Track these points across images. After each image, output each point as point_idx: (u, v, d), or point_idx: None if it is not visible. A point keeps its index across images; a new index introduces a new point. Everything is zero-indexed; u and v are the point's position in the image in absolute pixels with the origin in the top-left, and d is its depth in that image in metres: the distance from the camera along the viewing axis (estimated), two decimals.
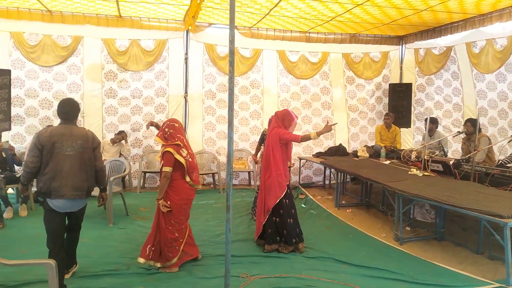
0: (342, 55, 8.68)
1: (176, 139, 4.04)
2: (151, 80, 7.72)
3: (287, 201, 4.68)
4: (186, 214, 4.20)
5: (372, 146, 7.66)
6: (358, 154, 7.47)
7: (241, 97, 8.19)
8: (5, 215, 5.58)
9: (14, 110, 6.83)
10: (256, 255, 4.54)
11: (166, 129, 4.08)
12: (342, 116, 8.76)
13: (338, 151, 7.87)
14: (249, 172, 8.15)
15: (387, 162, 6.78)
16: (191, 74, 7.93)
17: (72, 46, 7.21)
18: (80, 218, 3.78)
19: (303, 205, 6.83)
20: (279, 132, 4.58)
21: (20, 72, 7.00)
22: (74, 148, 3.46)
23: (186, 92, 7.91)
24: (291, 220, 4.68)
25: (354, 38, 8.50)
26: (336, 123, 5.02)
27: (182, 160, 3.97)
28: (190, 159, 4.08)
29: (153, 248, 4.07)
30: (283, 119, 4.69)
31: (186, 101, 7.93)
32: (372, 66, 8.86)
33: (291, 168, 5.74)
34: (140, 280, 3.85)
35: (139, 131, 7.77)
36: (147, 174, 7.82)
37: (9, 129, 6.53)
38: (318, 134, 4.63)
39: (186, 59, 7.83)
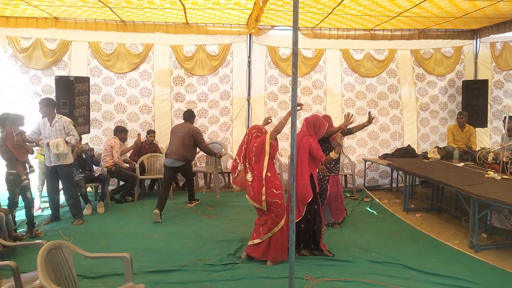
0: (411, 52, 8.29)
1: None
2: (216, 84, 7.96)
3: (315, 206, 4.56)
4: None
5: (444, 147, 7.23)
6: (429, 155, 7.09)
7: (303, 98, 8.14)
8: (84, 212, 6.05)
9: (92, 115, 7.39)
10: (319, 257, 4.48)
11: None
12: (412, 115, 8.37)
13: (406, 152, 7.53)
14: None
15: (461, 164, 6.36)
16: (254, 76, 8.04)
17: (144, 54, 7.66)
18: (184, 171, 6.46)
19: (368, 209, 6.63)
20: (311, 144, 4.42)
21: (97, 79, 7.57)
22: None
23: (249, 94, 8.05)
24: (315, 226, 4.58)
25: (423, 34, 8.09)
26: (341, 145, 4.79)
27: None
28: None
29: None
30: (314, 125, 4.57)
31: (249, 104, 8.05)
32: (444, 62, 8.36)
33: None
34: (207, 277, 3.98)
35: (205, 133, 8.03)
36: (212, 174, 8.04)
37: (88, 132, 7.08)
38: (336, 152, 4.56)
39: (249, 62, 7.97)
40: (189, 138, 6.28)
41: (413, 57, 8.31)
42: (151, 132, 7.45)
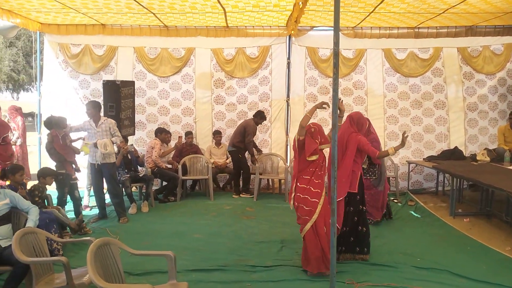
0: (458, 50, 7.94)
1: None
2: (255, 86, 8.01)
3: (351, 208, 4.39)
4: None
5: (494, 149, 6.89)
6: (477, 158, 6.78)
7: (344, 99, 7.97)
8: (130, 211, 6.28)
9: (137, 117, 7.65)
10: (361, 262, 4.39)
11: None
12: (459, 116, 8.01)
13: (453, 154, 7.24)
14: None
15: None
16: (293, 78, 8.01)
17: (186, 57, 7.84)
18: (233, 158, 7.35)
19: (412, 212, 6.42)
20: (360, 140, 4.28)
21: (142, 83, 7.84)
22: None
23: (288, 96, 8.03)
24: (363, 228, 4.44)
25: (471, 31, 7.73)
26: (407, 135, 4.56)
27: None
28: None
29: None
30: (357, 123, 4.43)
31: (288, 105, 8.04)
32: (494, 60, 7.93)
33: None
34: (248, 277, 4.00)
35: None
36: (251, 176, 8.09)
37: (133, 134, 7.34)
38: (396, 149, 4.31)
39: (288, 63, 7.95)
40: (241, 129, 7.28)
41: (460, 55, 7.96)
42: (189, 134, 7.62)
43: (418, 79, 8.00)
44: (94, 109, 5.73)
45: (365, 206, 4.47)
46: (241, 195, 7.36)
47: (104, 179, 5.94)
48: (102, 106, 6.26)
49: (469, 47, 7.92)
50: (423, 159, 7.62)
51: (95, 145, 5.62)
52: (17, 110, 8.19)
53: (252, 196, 7.25)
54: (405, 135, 4.33)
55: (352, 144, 4.29)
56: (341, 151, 4.30)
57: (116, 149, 5.97)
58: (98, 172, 5.84)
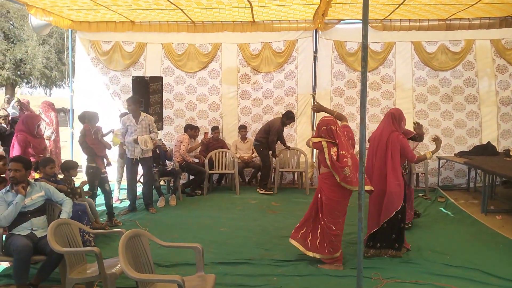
0: (491, 42, 7.66)
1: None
2: (281, 81, 7.99)
3: (404, 204, 4.36)
4: (346, 207, 4.14)
5: None
6: (511, 153, 6.54)
7: (372, 93, 7.89)
8: (158, 204, 6.42)
9: (165, 112, 7.79)
10: (388, 257, 4.34)
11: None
12: (491, 110, 7.74)
13: (485, 150, 7.01)
14: None
15: None
16: (319, 72, 7.94)
17: (212, 53, 7.91)
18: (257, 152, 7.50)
19: (442, 209, 6.27)
20: (402, 142, 4.22)
21: (170, 78, 7.96)
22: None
23: (314, 90, 7.97)
24: (403, 225, 4.41)
25: (505, 22, 7.43)
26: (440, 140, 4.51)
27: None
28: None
29: (309, 238, 4.17)
30: (399, 119, 4.35)
31: (314, 99, 7.98)
32: None
33: None
34: (274, 271, 4.03)
35: None
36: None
37: (161, 128, 7.48)
38: (433, 153, 4.38)
39: (315, 57, 7.89)
40: (266, 127, 7.35)
41: (494, 47, 7.66)
42: (215, 129, 7.69)
43: (448, 72, 7.77)
44: (135, 104, 5.90)
45: (405, 203, 4.42)
46: (257, 189, 7.33)
47: (143, 171, 6.16)
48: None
49: (503, 39, 7.62)
50: (454, 154, 7.42)
51: (136, 141, 5.81)
52: (50, 106, 8.49)
53: (269, 192, 7.20)
54: (437, 139, 4.37)
55: (395, 143, 4.23)
56: (381, 150, 4.29)
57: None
58: (135, 166, 6.04)
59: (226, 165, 7.55)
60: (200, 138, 7.62)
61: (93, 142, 5.46)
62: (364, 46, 2.88)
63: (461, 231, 5.28)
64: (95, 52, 7.93)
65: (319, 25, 7.52)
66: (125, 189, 6.83)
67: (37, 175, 4.89)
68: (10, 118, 7.63)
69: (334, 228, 4.06)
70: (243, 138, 7.83)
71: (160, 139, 7.31)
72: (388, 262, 4.24)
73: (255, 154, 7.69)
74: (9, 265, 3.87)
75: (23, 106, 8.41)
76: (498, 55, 7.68)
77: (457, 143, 7.78)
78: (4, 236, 3.60)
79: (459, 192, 7.33)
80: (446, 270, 4.01)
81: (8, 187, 3.70)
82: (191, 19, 7.50)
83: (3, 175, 4.49)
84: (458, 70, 7.77)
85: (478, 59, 7.71)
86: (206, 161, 7.28)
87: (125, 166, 6.33)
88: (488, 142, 7.32)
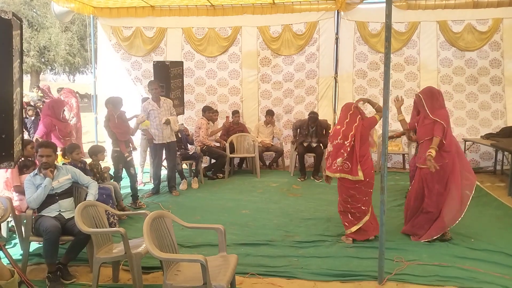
0: None
1: None
2: (302, 63, 7.90)
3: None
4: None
5: None
6: None
7: (395, 75, 7.72)
8: (180, 187, 6.52)
9: (186, 97, 7.83)
10: (410, 241, 4.31)
11: None
12: None
13: None
14: (403, 155, 7.70)
15: None
16: (341, 54, 7.81)
17: (232, 37, 7.87)
18: None
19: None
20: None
21: (190, 63, 7.99)
22: None
23: (336, 72, 7.86)
24: None
25: None
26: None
27: None
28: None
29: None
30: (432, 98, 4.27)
31: (336, 82, 7.88)
32: None
33: None
34: (294, 252, 4.07)
35: (290, 113, 8.07)
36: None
37: (183, 113, 7.54)
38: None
39: (336, 39, 7.75)
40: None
41: None
42: (236, 113, 7.68)
43: (474, 53, 7.53)
44: (160, 87, 6.00)
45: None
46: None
47: (168, 155, 6.28)
48: None
49: None
50: (481, 136, 7.23)
51: (167, 121, 5.91)
52: (71, 92, 8.66)
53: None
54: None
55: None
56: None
57: None
58: (161, 149, 6.15)
59: (247, 149, 7.57)
60: (221, 122, 7.64)
61: (115, 126, 5.56)
62: (388, 26, 2.82)
63: (486, 214, 5.18)
64: (117, 38, 8.02)
65: (341, 5, 7.37)
66: (148, 172, 6.97)
67: (64, 160, 5.03)
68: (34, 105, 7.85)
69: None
70: (267, 123, 7.79)
71: (182, 123, 7.38)
72: (411, 244, 4.21)
73: (277, 141, 7.69)
74: (40, 244, 4.03)
75: (43, 92, 8.62)
76: None
77: (482, 125, 7.57)
78: (34, 217, 3.75)
79: (486, 175, 7.17)
80: (470, 253, 3.96)
81: (36, 171, 3.83)
82: (210, 3, 7.46)
83: (31, 159, 4.65)
84: (484, 51, 7.50)
85: (504, 39, 7.42)
86: (227, 144, 7.33)
87: (148, 150, 6.43)
88: None
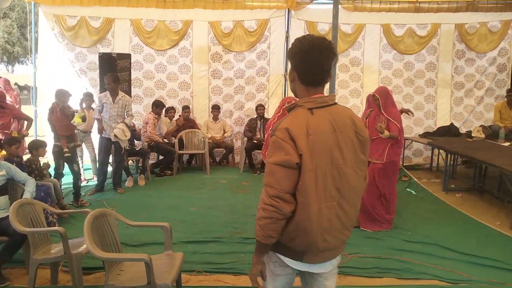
0: (455, 26, 7.85)
1: None
2: (253, 60, 7.93)
3: None
4: None
5: (490, 126, 6.92)
6: (473, 134, 6.82)
7: (341, 76, 7.97)
8: (126, 184, 6.34)
9: (133, 91, 7.60)
10: (352, 235, 4.48)
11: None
12: (445, 93, 8.02)
13: (449, 131, 7.27)
14: None
15: (507, 144, 6.08)
16: None
17: (183, 30, 7.72)
18: None
19: (408, 189, 6.50)
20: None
21: (139, 56, 7.74)
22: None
23: (286, 70, 7.97)
24: None
25: (472, 6, 7.64)
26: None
27: None
28: None
29: None
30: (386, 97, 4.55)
31: (286, 80, 7.99)
32: (488, 38, 7.81)
33: None
34: (242, 249, 4.10)
35: (241, 109, 8.08)
36: None
37: None
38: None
39: (287, 37, 7.86)
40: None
41: (457, 31, 7.86)
42: (186, 108, 7.56)
43: (413, 56, 7.98)
44: (115, 83, 5.77)
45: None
46: None
47: (115, 152, 6.10)
48: (98, 80, 6.19)
49: (466, 23, 7.84)
50: (419, 135, 7.66)
51: (115, 137, 5.75)
52: (7, 83, 8.08)
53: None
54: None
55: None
56: None
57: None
58: (109, 146, 5.95)
59: (197, 145, 7.50)
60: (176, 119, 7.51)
61: (57, 120, 5.29)
62: (335, 26, 2.90)
63: (423, 208, 5.51)
64: (60, 27, 7.59)
65: (291, 4, 7.48)
66: (89, 169, 6.72)
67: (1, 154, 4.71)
68: None
69: None
70: (215, 118, 7.77)
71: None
72: (352, 237, 4.37)
73: (227, 134, 7.69)
74: None
75: None
76: (459, 40, 7.90)
77: (415, 125, 8.07)
78: None
79: (423, 171, 7.61)
80: (407, 246, 4.19)
81: None
82: None
83: None
84: (421, 54, 7.97)
85: (441, 43, 7.92)
86: (176, 141, 7.21)
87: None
88: (452, 124, 7.58)
